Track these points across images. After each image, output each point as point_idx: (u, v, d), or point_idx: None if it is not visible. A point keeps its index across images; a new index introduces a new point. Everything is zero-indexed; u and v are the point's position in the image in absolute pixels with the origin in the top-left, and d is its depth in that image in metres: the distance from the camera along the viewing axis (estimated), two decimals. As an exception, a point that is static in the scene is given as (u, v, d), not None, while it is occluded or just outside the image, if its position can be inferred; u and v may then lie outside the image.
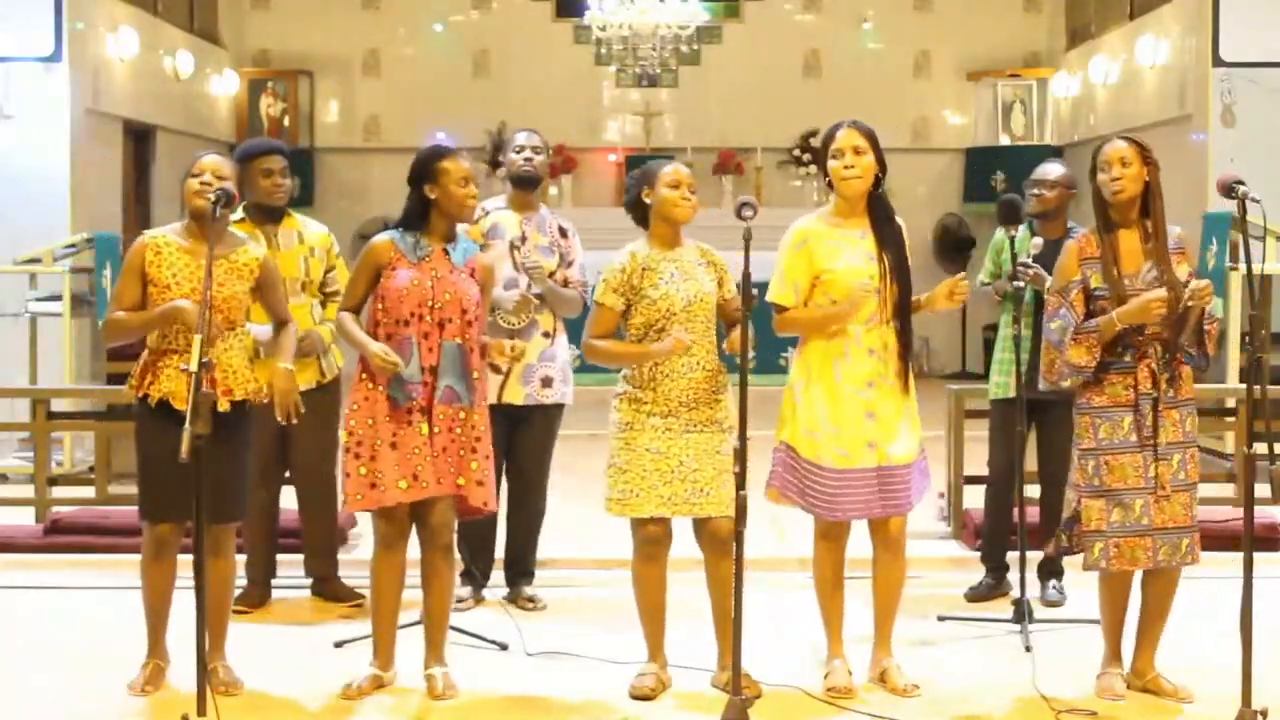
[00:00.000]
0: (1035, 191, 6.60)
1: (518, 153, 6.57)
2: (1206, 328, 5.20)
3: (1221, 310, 9.28)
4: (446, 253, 5.35)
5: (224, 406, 5.24)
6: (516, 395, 6.43)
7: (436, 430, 5.23)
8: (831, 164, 5.36)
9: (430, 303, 5.25)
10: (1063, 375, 5.28)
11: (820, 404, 5.32)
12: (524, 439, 6.55)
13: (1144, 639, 5.38)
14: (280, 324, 5.50)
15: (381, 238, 5.42)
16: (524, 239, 6.49)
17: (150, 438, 5.29)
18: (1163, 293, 5.11)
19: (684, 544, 5.50)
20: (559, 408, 6.63)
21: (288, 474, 6.65)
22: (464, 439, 5.26)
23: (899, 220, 5.46)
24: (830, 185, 5.43)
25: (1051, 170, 6.66)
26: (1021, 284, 6.32)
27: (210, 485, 5.05)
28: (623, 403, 5.39)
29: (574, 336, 6.43)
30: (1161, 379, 5.18)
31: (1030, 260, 6.37)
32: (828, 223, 5.43)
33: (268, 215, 6.39)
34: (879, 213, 5.40)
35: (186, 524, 5.29)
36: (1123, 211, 5.25)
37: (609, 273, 5.39)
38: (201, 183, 5.26)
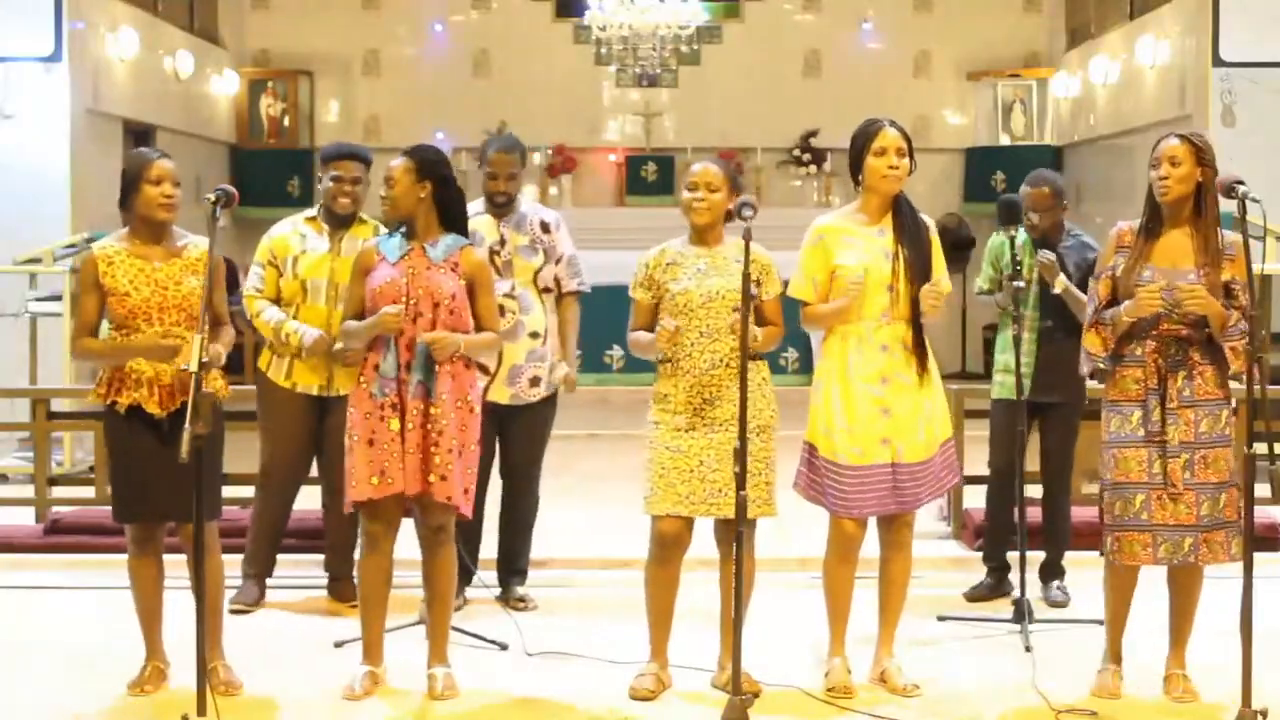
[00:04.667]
0: (1033, 220, 6.53)
1: (492, 180, 6.43)
2: (1230, 344, 5.10)
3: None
4: (425, 250, 5.38)
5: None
6: (502, 395, 6.38)
7: (410, 427, 5.25)
8: (873, 161, 5.35)
9: (404, 298, 5.28)
10: (1083, 362, 5.30)
11: (835, 401, 5.34)
12: (512, 438, 6.51)
13: (1171, 637, 5.37)
14: (216, 324, 5.34)
15: (366, 244, 5.55)
16: (503, 242, 6.41)
17: (119, 441, 5.31)
18: (1155, 288, 5.10)
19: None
20: (549, 400, 6.56)
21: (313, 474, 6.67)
22: (431, 433, 5.27)
23: (926, 219, 5.46)
24: (857, 182, 5.43)
25: (1047, 176, 6.61)
26: (1021, 284, 6.32)
27: (180, 485, 5.02)
28: (654, 400, 5.42)
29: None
30: (1174, 376, 5.16)
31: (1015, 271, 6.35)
32: (849, 219, 5.45)
33: (336, 220, 6.41)
34: (904, 211, 5.41)
35: (162, 522, 5.35)
36: (1172, 209, 5.20)
37: (637, 267, 5.47)
38: (164, 195, 5.28)
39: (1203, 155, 5.16)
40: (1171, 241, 5.21)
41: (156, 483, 5.15)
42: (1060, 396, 6.51)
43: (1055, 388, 6.44)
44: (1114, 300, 5.24)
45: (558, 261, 6.52)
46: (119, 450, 5.34)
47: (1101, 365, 5.28)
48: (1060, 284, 6.35)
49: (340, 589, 6.62)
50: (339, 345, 6.14)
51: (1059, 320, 6.41)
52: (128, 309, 5.28)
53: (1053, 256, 6.38)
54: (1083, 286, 6.33)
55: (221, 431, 5.45)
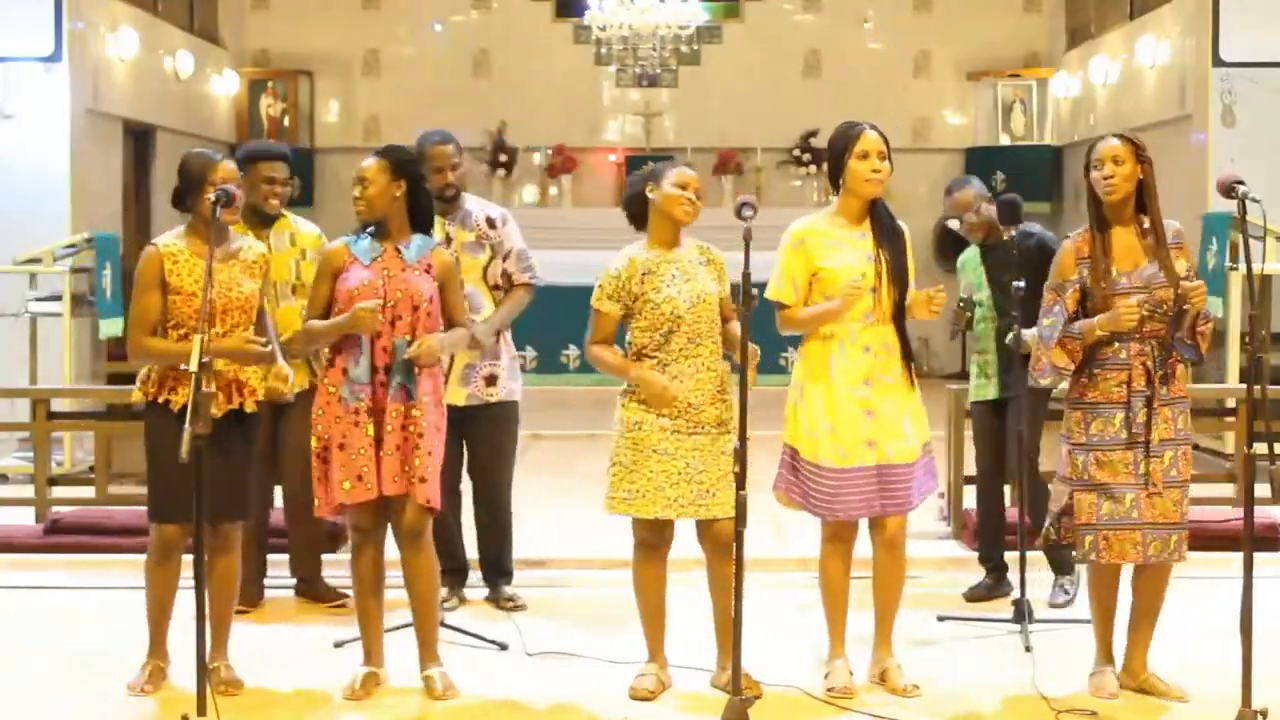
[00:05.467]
0: (963, 217, 6.64)
1: (437, 171, 6.30)
2: (1200, 328, 5.19)
3: (1221, 309, 9.28)
4: (399, 251, 5.36)
5: (251, 407, 5.31)
6: (458, 396, 6.29)
7: (389, 429, 5.23)
8: (856, 165, 5.33)
9: (382, 301, 5.26)
10: (1044, 373, 5.29)
11: (818, 403, 5.33)
12: (478, 439, 6.48)
13: (1135, 638, 5.38)
14: (261, 320, 5.48)
15: (334, 243, 5.50)
16: (448, 240, 6.34)
17: (168, 440, 5.20)
18: (1133, 301, 5.12)
19: (684, 544, 5.49)
20: (509, 405, 6.54)
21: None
22: (413, 435, 5.25)
23: (901, 224, 5.46)
24: (837, 186, 5.42)
25: (963, 195, 6.69)
26: (1022, 284, 6.31)
27: (221, 484, 5.08)
28: (630, 401, 5.38)
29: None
30: (1156, 376, 5.18)
31: (968, 299, 6.59)
32: (829, 222, 5.43)
33: (262, 218, 6.42)
34: (881, 215, 5.41)
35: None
36: (1116, 209, 5.24)
37: (605, 278, 5.38)
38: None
39: (1141, 152, 5.22)
40: (1123, 242, 5.24)
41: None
42: (1020, 390, 6.52)
43: (1017, 384, 6.46)
44: (1081, 310, 5.25)
45: (506, 257, 6.47)
46: (166, 449, 5.20)
47: (1067, 373, 5.28)
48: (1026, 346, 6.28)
49: (313, 589, 6.61)
50: (288, 339, 6.17)
51: (1011, 319, 6.41)
52: (194, 309, 5.24)
53: (1018, 332, 6.34)
54: (1036, 272, 6.12)
55: (257, 432, 5.47)
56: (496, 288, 6.49)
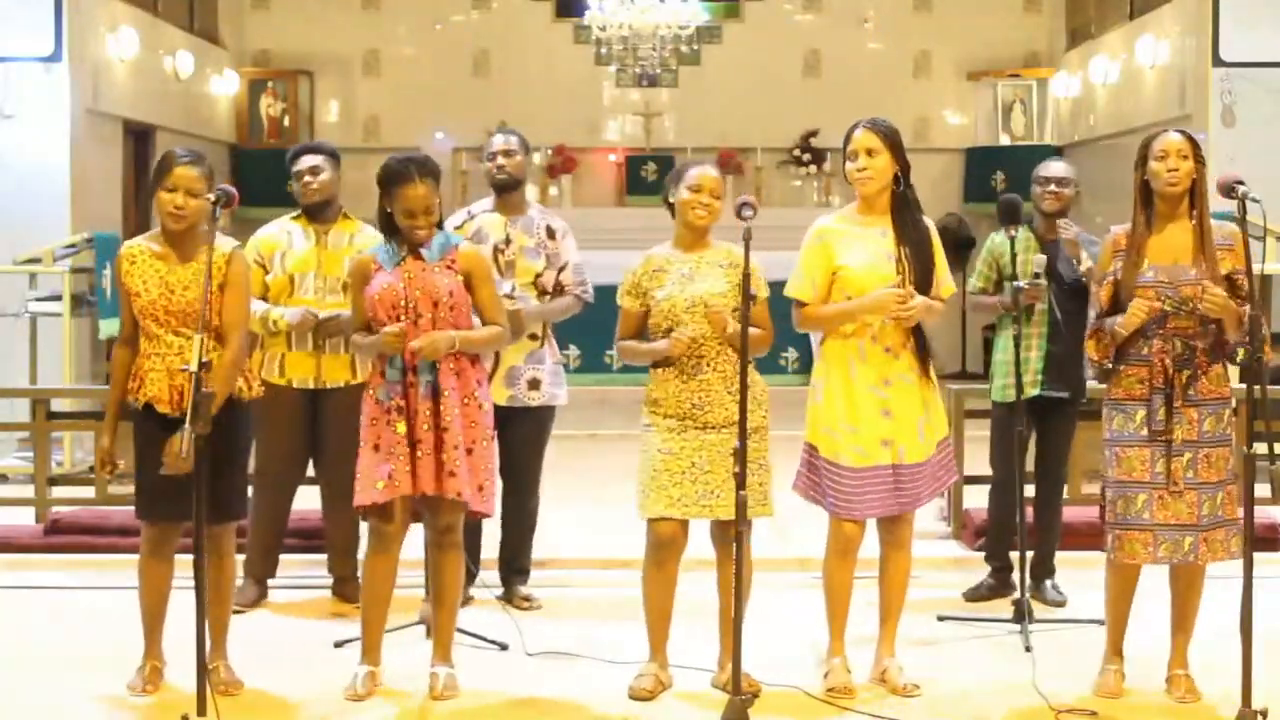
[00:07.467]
0: (1053, 189, 6.57)
1: (490, 160, 6.55)
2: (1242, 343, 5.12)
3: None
4: (419, 253, 5.35)
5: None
6: (500, 396, 6.34)
7: (424, 428, 5.25)
8: (847, 165, 5.39)
9: (403, 303, 5.28)
10: (1089, 364, 5.35)
11: (838, 402, 5.34)
12: (513, 440, 6.50)
13: (1173, 637, 5.37)
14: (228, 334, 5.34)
15: (363, 254, 5.53)
16: (508, 241, 6.45)
17: (141, 440, 5.32)
18: (1143, 304, 5.12)
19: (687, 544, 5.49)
20: (549, 410, 6.59)
21: (310, 473, 6.69)
22: (440, 432, 5.26)
23: (926, 220, 5.45)
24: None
25: (1061, 167, 6.69)
26: (1022, 284, 6.31)
27: (202, 485, 5.03)
28: (646, 403, 5.42)
29: (566, 338, 6.42)
30: (1180, 375, 5.17)
31: (1039, 273, 6.35)
32: (850, 220, 5.45)
33: (314, 213, 6.50)
34: (902, 211, 5.40)
35: (184, 523, 5.30)
36: (1173, 204, 5.23)
37: (625, 275, 5.46)
38: (175, 205, 5.23)
39: (1198, 150, 5.24)
40: (1170, 238, 5.23)
41: (182, 483, 5.10)
42: (1067, 391, 6.53)
43: (1064, 382, 6.48)
44: (1114, 305, 5.25)
45: (561, 269, 6.55)
46: (142, 447, 5.30)
47: (1106, 367, 5.30)
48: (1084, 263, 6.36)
49: (345, 589, 6.62)
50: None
51: (1067, 314, 6.40)
52: (139, 309, 5.29)
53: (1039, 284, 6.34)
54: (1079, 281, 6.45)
55: (248, 432, 5.47)
56: (545, 293, 6.53)
